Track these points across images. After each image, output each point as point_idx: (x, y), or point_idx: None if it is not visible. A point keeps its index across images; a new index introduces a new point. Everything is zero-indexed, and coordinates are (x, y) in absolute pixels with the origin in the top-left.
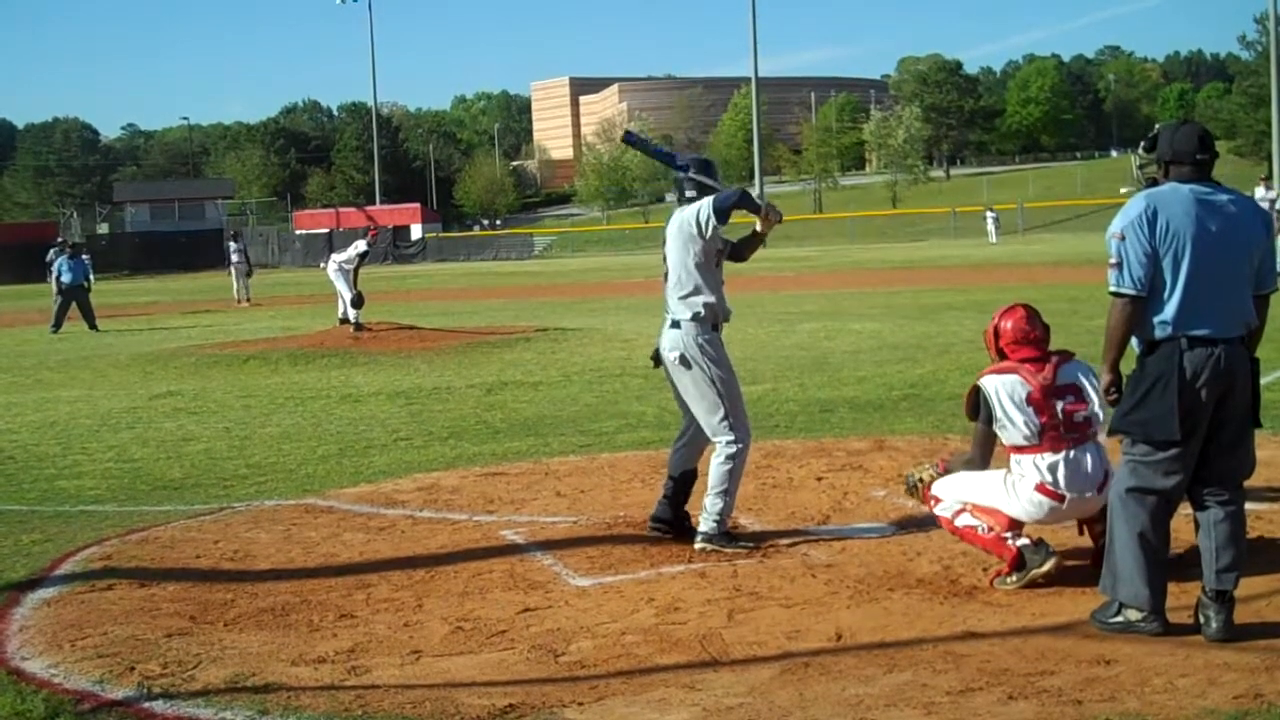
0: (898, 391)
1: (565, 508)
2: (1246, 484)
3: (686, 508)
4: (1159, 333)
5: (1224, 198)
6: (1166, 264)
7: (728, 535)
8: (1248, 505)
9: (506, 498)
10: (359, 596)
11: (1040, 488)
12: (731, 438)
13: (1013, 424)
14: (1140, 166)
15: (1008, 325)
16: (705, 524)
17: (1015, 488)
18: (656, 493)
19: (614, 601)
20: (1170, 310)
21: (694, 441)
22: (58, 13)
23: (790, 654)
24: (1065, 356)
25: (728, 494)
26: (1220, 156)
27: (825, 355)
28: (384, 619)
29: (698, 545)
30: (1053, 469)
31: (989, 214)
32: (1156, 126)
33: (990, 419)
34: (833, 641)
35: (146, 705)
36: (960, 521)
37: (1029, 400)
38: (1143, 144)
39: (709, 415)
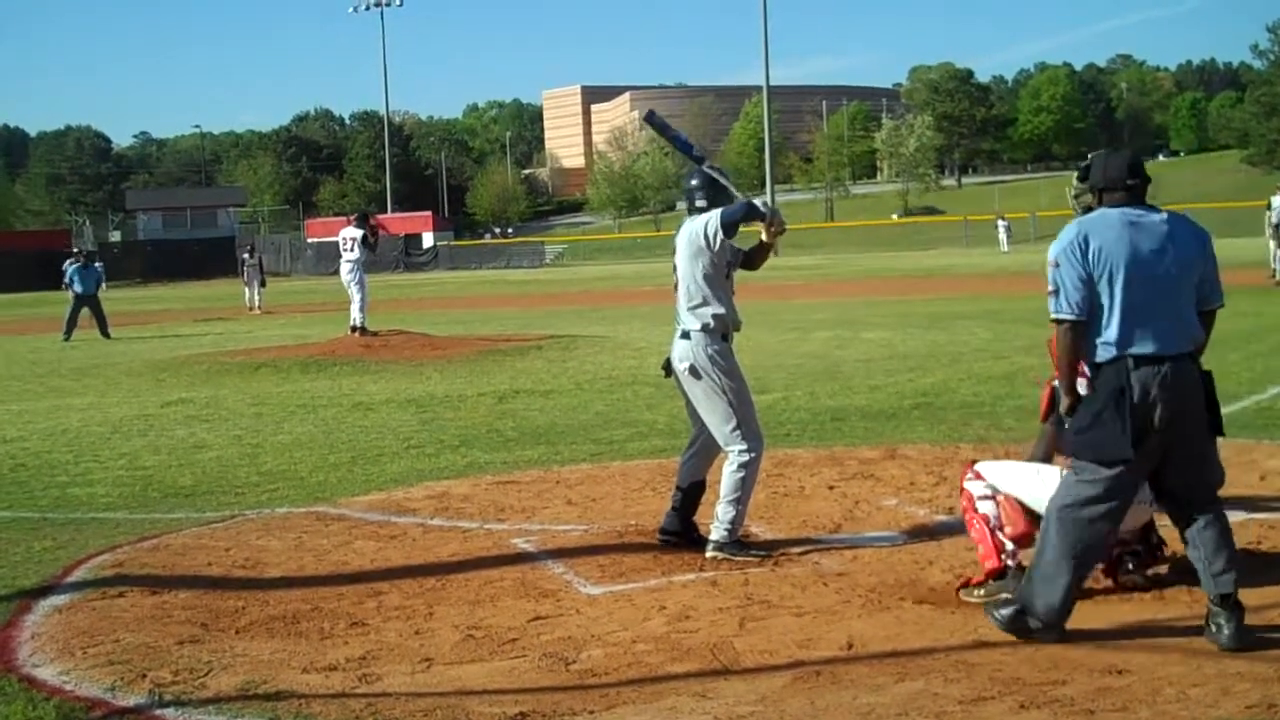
0: (909, 400)
1: (576, 516)
2: (1257, 494)
3: (696, 518)
4: (1104, 354)
5: (1157, 218)
6: (1102, 287)
7: (739, 543)
8: (1258, 515)
9: (518, 506)
10: (370, 604)
11: None
12: (744, 446)
13: None
14: (1075, 196)
15: None
16: (717, 532)
17: None
18: (668, 501)
19: (625, 610)
20: (1112, 331)
21: (703, 451)
22: (69, 21)
23: (802, 662)
24: None
25: (740, 502)
26: (1150, 182)
27: (837, 364)
28: (395, 627)
29: (709, 553)
30: None
31: (1000, 223)
32: (1090, 156)
33: (1062, 424)
34: (844, 650)
35: (158, 713)
36: (981, 507)
37: None
38: (1077, 173)
39: (721, 425)
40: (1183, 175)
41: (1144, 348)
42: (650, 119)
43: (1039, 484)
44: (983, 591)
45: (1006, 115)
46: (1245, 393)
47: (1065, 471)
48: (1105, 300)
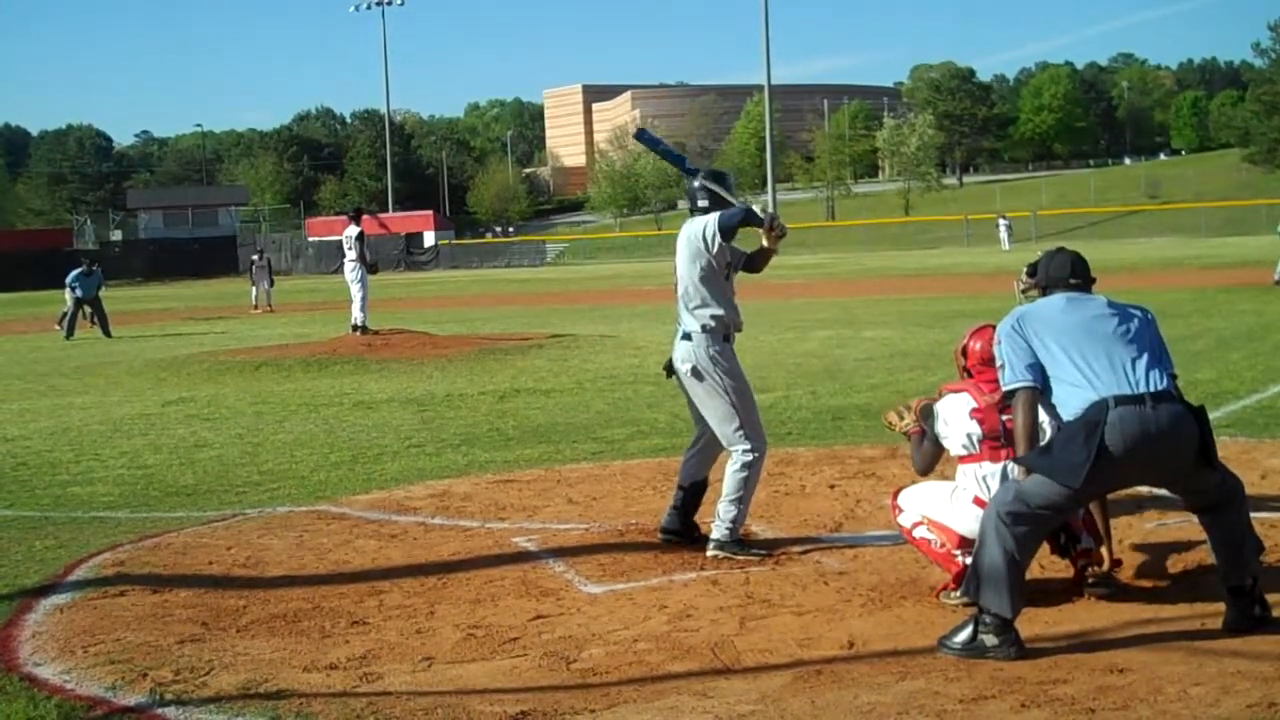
0: (911, 399)
1: (577, 515)
2: (1257, 492)
3: (696, 517)
4: (1084, 399)
5: (1099, 298)
6: (1057, 356)
7: (740, 542)
8: (1259, 514)
9: (518, 505)
10: (371, 603)
11: (977, 500)
12: (748, 446)
13: (954, 432)
14: (1023, 291)
15: (976, 345)
16: (718, 531)
17: (957, 501)
18: (669, 500)
19: (626, 609)
20: (1082, 380)
21: (706, 451)
22: (70, 20)
23: (802, 661)
24: None
25: (741, 501)
26: (1094, 281)
27: (838, 363)
28: (396, 626)
29: (710, 552)
30: (988, 479)
31: (1002, 221)
32: (1039, 254)
33: (937, 439)
34: (845, 649)
35: (159, 711)
36: (918, 534)
37: (972, 414)
38: (1026, 269)
39: (724, 425)
40: (1183, 174)
41: (1120, 389)
42: (641, 136)
43: (950, 507)
44: (959, 593)
45: (1008, 114)
46: (1246, 391)
47: (1008, 465)
48: (1067, 364)
